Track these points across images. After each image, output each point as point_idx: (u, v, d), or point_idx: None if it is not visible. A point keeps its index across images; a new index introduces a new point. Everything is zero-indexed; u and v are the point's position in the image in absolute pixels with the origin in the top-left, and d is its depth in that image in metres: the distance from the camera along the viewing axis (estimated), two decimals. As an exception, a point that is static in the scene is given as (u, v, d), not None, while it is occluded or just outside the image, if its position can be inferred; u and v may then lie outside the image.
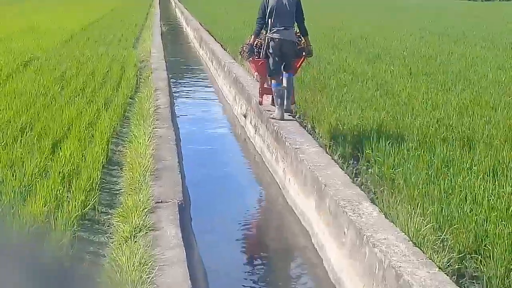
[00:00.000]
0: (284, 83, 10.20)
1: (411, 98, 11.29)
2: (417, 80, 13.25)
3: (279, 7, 9.66)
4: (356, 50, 18.80)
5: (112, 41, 22.06)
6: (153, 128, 9.26)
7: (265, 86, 10.81)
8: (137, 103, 11.51)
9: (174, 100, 13.68)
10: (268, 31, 9.82)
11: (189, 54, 25.31)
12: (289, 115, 10.23)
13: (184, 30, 35.58)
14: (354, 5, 47.93)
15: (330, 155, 8.06)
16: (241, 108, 12.82)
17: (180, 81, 18.40)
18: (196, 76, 19.97)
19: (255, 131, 11.02)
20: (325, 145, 8.64)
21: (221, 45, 20.14)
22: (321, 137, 9.14)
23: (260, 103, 11.05)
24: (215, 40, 21.89)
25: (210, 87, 17.82)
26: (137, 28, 27.96)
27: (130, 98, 12.16)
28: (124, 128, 9.86)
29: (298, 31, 10.21)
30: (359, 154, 8.22)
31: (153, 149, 8.01)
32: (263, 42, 10.09)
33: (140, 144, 8.25)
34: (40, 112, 9.91)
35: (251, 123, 11.56)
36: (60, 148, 7.99)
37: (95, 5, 47.19)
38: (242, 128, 12.43)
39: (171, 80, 16.07)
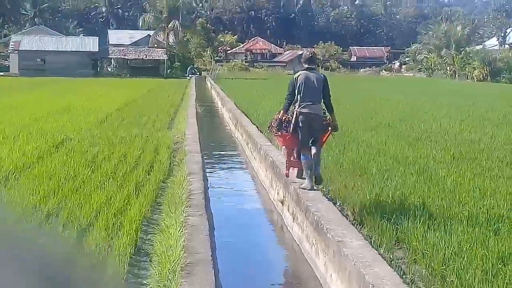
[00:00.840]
0: (313, 154, 10.56)
1: (456, 185, 10.71)
2: (461, 166, 12.71)
3: (308, 84, 10.27)
4: (395, 133, 18.28)
5: (147, 122, 21.87)
6: (186, 217, 8.70)
7: (292, 159, 11.09)
8: (169, 188, 11.00)
9: (208, 185, 13.13)
10: (297, 106, 10.36)
11: (224, 136, 24.94)
12: (316, 188, 10.61)
13: (220, 111, 35.43)
14: (385, 90, 47.59)
15: (376, 249, 7.41)
16: (277, 193, 12.25)
17: (214, 164, 17.91)
18: (231, 158, 19.51)
19: (293, 219, 10.41)
20: (369, 236, 8.01)
21: (257, 127, 19.73)
22: (363, 227, 8.52)
23: (287, 175, 11.39)
24: (251, 122, 21.47)
25: (245, 170, 17.31)
26: (172, 109, 27.84)
27: (162, 182, 11.71)
28: (155, 215, 9.34)
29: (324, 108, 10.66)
30: (405, 245, 7.64)
31: (184, 240, 7.44)
32: (291, 117, 10.54)
33: (171, 234, 7.69)
34: (67, 197, 9.48)
35: (288, 210, 10.96)
36: (85, 238, 7.49)
37: (132, 86, 47.59)
38: (279, 215, 11.81)
39: (206, 163, 15.59)
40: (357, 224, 8.61)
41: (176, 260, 6.75)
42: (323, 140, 10.93)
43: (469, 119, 23.16)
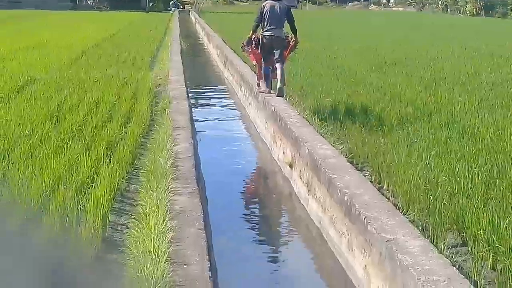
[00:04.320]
0: (278, 73, 12.70)
1: (501, 141, 8.55)
2: (495, 113, 10.49)
3: (272, 11, 12.51)
4: (404, 73, 16.10)
5: (126, 59, 19.52)
6: (171, 197, 6.47)
7: (261, 72, 13.35)
8: (149, 150, 8.73)
9: (198, 141, 10.85)
10: (262, 29, 12.68)
11: (212, 76, 22.62)
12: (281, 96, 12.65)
13: (205, 46, 33.01)
14: (379, 25, 45.13)
15: (440, 252, 5.26)
16: (283, 152, 10.03)
17: (202, 110, 15.65)
18: (221, 104, 17.25)
19: (308, 190, 8.21)
20: (424, 228, 5.87)
21: (251, 68, 17.40)
22: (408, 210, 6.37)
23: (258, 85, 13.56)
24: (243, 61, 18.98)
25: (238, 118, 15.06)
26: (155, 45, 25.37)
27: (142, 137, 9.49)
28: (129, 192, 7.09)
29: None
30: (465, 235, 5.67)
31: (170, 242, 5.22)
32: (259, 37, 12.77)
33: (151, 230, 5.48)
34: (15, 164, 7.24)
35: (300, 178, 8.74)
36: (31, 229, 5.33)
37: (112, 19, 44.96)
38: (286, 181, 9.63)
39: (193, 111, 13.38)
40: (402, 207, 6.46)
41: (157, 278, 4.54)
42: (285, 55, 12.94)
43: (479, 57, 20.92)
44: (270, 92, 12.88)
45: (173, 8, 77.67)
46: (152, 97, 12.84)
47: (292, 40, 12.89)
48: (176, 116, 10.84)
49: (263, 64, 13.02)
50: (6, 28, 33.25)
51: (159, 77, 15.73)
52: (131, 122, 10.15)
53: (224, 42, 26.42)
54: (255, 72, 14.66)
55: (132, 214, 6.22)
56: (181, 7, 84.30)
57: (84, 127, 9.49)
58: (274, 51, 12.68)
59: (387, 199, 6.51)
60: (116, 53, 21.04)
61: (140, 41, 26.37)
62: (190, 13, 70.51)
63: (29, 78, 14.21)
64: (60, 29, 32.42)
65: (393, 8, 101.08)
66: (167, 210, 6.03)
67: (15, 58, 18.22)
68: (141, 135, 9.52)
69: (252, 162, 11.80)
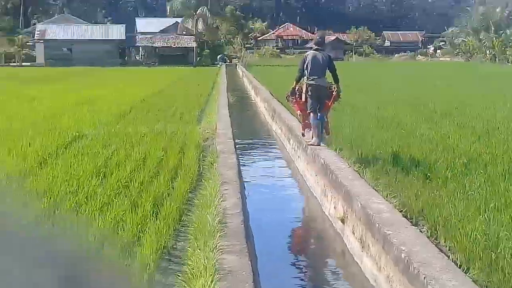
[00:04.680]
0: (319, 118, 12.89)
1: None
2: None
3: (315, 61, 12.73)
4: (456, 124, 15.65)
5: (174, 114, 19.48)
6: (219, 256, 6.19)
7: (306, 121, 13.46)
8: (197, 206, 8.50)
9: (246, 195, 10.59)
10: (306, 79, 12.86)
11: (260, 130, 22.42)
12: (324, 144, 12.90)
13: (253, 100, 32.98)
14: (427, 76, 44.78)
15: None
16: (334, 207, 9.69)
17: (250, 164, 15.42)
18: (269, 157, 17.01)
19: (362, 247, 7.85)
20: (485, 284, 5.50)
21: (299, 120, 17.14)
22: (461, 264, 6.02)
23: (303, 135, 13.79)
24: (290, 113, 18.74)
25: (288, 173, 14.70)
26: (202, 99, 25.41)
27: (190, 193, 9.28)
28: (175, 250, 6.85)
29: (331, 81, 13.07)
30: None
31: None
32: (302, 87, 13.00)
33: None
34: (60, 222, 7.07)
35: (353, 233, 8.39)
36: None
37: (160, 75, 45.47)
38: (338, 236, 9.27)
39: (241, 164, 13.16)
40: (461, 264, 6.09)
41: None
42: (329, 104, 13.16)
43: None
44: (320, 145, 12.81)
45: (220, 62, 78.51)
46: (200, 151, 12.68)
47: (335, 90, 12.99)
48: (224, 170, 10.63)
49: (311, 116, 12.96)
50: (57, 84, 33.84)
51: (206, 131, 15.61)
52: (178, 177, 9.97)
53: (272, 94, 26.32)
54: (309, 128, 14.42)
55: (179, 274, 5.96)
56: (228, 61, 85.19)
57: (131, 183, 9.36)
58: (317, 101, 12.83)
59: (447, 257, 6.13)
60: (164, 108, 21.08)
61: (188, 96, 26.47)
62: (237, 67, 71.05)
63: (78, 133, 14.21)
64: (109, 85, 32.86)
65: (440, 59, 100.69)
66: (215, 270, 5.76)
67: (65, 114, 18.33)
68: (188, 191, 9.32)
69: (302, 217, 11.50)
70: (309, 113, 12.92)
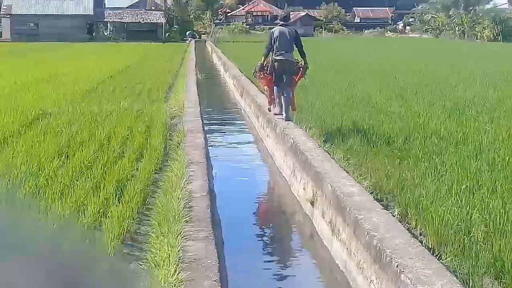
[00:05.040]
0: (287, 99, 13.13)
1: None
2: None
3: (282, 36, 12.85)
4: (426, 101, 15.54)
5: (141, 91, 19.15)
6: (184, 243, 5.92)
7: (272, 97, 13.64)
8: (161, 188, 8.21)
9: (214, 176, 10.30)
10: (273, 54, 13.00)
11: (229, 108, 22.09)
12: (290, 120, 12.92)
13: (222, 77, 32.61)
14: (396, 52, 44.78)
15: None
16: (304, 188, 9.45)
17: (218, 143, 15.13)
18: (238, 136, 16.74)
19: (332, 231, 7.62)
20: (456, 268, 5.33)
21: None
22: (433, 247, 5.86)
23: (269, 109, 14.05)
24: (260, 91, 18.46)
25: (256, 152, 14.48)
26: (170, 76, 25.01)
27: (155, 173, 9.01)
28: (139, 235, 6.59)
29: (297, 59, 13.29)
30: (504, 280, 5.16)
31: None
32: (270, 62, 13.10)
33: (160, 284, 4.94)
34: (19, 207, 6.74)
35: (323, 216, 8.16)
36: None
37: (129, 50, 44.86)
38: (307, 219, 9.04)
39: (209, 143, 12.88)
40: (433, 248, 5.91)
41: None
42: (296, 80, 13.30)
43: (502, 83, 20.32)
44: (282, 114, 13.05)
45: (189, 38, 77.83)
46: (167, 130, 12.38)
47: (302, 65, 13.20)
48: (191, 150, 10.34)
49: (275, 88, 13.26)
50: (22, 60, 33.19)
51: (174, 109, 15.30)
52: (143, 157, 9.68)
53: (241, 71, 25.98)
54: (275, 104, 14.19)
55: (141, 261, 5.70)
56: (198, 37, 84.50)
57: (94, 164, 9.05)
58: (284, 76, 12.95)
59: (420, 243, 5.93)
60: (131, 84, 20.75)
61: (156, 72, 26.08)
62: (206, 43, 70.49)
63: (41, 112, 13.82)
64: (75, 61, 32.32)
65: (410, 35, 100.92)
66: (179, 259, 5.50)
67: (28, 91, 17.93)
68: (154, 172, 9.04)
69: (271, 198, 11.27)
70: (274, 86, 13.23)
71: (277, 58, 12.88)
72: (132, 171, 8.91)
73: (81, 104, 15.29)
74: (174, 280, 5.00)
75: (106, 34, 79.33)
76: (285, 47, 12.84)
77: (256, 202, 10.62)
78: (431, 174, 8.30)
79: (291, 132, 11.64)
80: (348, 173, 8.67)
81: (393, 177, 8.25)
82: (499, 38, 72.10)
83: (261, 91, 17.65)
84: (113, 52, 42.19)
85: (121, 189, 7.86)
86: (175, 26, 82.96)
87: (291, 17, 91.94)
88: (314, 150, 10.03)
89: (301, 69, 13.19)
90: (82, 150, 9.80)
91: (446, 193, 7.41)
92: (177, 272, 5.16)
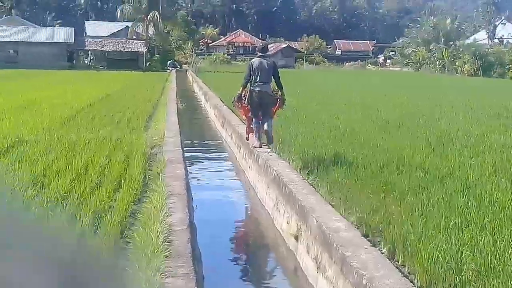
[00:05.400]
0: (265, 127, 13.24)
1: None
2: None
3: (260, 67, 12.94)
4: (410, 135, 15.35)
5: (120, 119, 18.78)
6: (163, 280, 5.60)
7: (251, 126, 13.76)
8: (140, 221, 7.87)
9: (194, 208, 9.98)
10: (251, 85, 13.08)
11: (210, 137, 21.79)
12: (269, 147, 13.30)
13: (203, 106, 32.35)
14: (378, 85, 44.91)
15: None
16: (287, 222, 9.14)
17: (199, 174, 14.78)
18: (219, 167, 16.39)
19: (318, 268, 7.31)
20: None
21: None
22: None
23: (247, 139, 14.24)
24: (241, 121, 18.18)
25: (238, 184, 14.16)
26: (151, 105, 24.70)
27: (134, 204, 8.68)
28: (116, 269, 6.25)
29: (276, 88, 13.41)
30: None
31: None
32: (248, 93, 13.18)
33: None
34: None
35: (308, 252, 7.85)
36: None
37: (109, 79, 44.56)
38: (290, 254, 8.71)
39: (189, 174, 12.54)
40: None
41: None
42: (274, 111, 13.56)
43: (485, 118, 20.21)
44: (262, 147, 13.20)
45: (170, 68, 77.67)
46: (146, 160, 12.06)
47: (279, 97, 13.47)
48: (171, 181, 10.01)
49: (253, 120, 13.40)
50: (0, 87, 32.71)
51: (154, 139, 14.98)
52: (122, 188, 9.34)
53: (222, 101, 25.76)
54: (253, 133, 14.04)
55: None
56: (179, 66, 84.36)
57: (70, 194, 8.70)
58: (262, 107, 13.19)
59: (412, 284, 5.65)
60: (110, 113, 20.39)
61: (136, 101, 25.78)
62: (187, 72, 70.29)
63: (17, 139, 13.46)
64: (55, 89, 31.96)
65: (390, 68, 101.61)
66: (157, 298, 5.18)
67: (6, 118, 17.54)
68: (132, 203, 8.71)
69: (253, 231, 10.84)
70: (252, 118, 13.38)
71: (256, 89, 13.03)
72: (109, 202, 8.58)
73: (59, 132, 14.96)
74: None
75: (86, 62, 79.00)
76: (264, 78, 12.99)
77: (238, 236, 10.31)
78: (418, 209, 8.06)
79: (274, 163, 11.37)
80: (333, 207, 8.40)
81: (379, 212, 8.00)
82: (479, 73, 72.62)
83: (242, 122, 17.40)
84: (93, 80, 41.86)
85: (98, 221, 7.52)
86: (156, 55, 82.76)
87: (271, 48, 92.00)
88: (298, 183, 9.77)
89: (278, 100, 13.43)
90: (58, 179, 9.46)
91: (434, 230, 7.16)
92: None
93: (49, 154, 11.83)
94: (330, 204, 8.55)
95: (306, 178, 10.17)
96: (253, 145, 13.41)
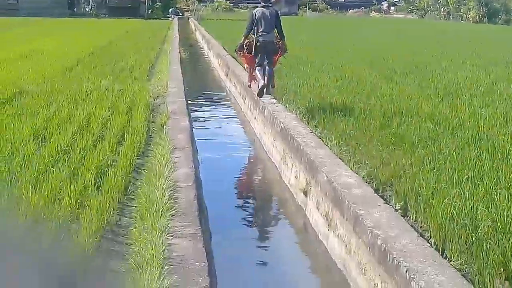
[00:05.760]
0: (268, 76, 13.40)
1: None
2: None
3: (263, 17, 13.12)
4: (417, 84, 15.05)
5: (123, 69, 18.43)
6: (169, 240, 5.39)
7: (253, 74, 14.06)
8: (145, 177, 7.63)
9: (199, 161, 9.73)
10: (255, 34, 13.28)
11: (214, 87, 21.43)
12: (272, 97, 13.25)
13: (206, 55, 31.91)
14: (382, 33, 44.28)
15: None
16: (295, 177, 8.91)
17: (203, 125, 14.47)
18: (224, 118, 16.07)
19: (328, 225, 7.09)
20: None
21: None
22: (436, 243, 5.38)
23: (249, 86, 14.69)
24: (246, 70, 17.77)
25: (243, 136, 13.84)
26: (153, 53, 24.30)
27: (138, 158, 8.45)
28: (120, 228, 6.04)
29: (277, 35, 13.53)
30: None
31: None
32: (251, 42, 13.42)
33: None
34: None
35: (317, 208, 7.63)
36: None
37: (110, 27, 43.97)
38: (299, 210, 8.50)
39: (194, 126, 12.26)
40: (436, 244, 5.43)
41: None
42: (275, 59, 13.78)
43: (493, 66, 19.80)
44: (264, 92, 13.32)
45: (172, 15, 76.77)
46: (150, 111, 11.80)
47: (280, 45, 13.67)
48: (175, 134, 9.75)
49: (257, 68, 13.54)
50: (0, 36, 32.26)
51: (157, 88, 14.68)
52: (125, 142, 9.08)
53: (225, 50, 25.31)
54: (255, 80, 13.98)
55: (122, 260, 5.16)
56: (181, 14, 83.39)
57: (72, 148, 8.46)
58: (266, 56, 13.39)
59: (429, 244, 5.42)
60: (112, 62, 19.99)
61: (138, 50, 25.34)
62: (189, 20, 69.48)
63: (17, 90, 13.18)
64: (55, 37, 31.42)
65: (394, 15, 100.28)
66: (164, 259, 4.96)
67: (5, 68, 17.22)
68: (136, 157, 8.47)
69: (260, 186, 10.51)
70: (256, 66, 13.50)
71: (260, 39, 13.23)
72: (112, 156, 8.33)
73: (60, 82, 14.65)
74: (159, 286, 4.45)
75: (87, 10, 78.01)
76: (267, 28, 13.18)
77: (245, 190, 10.06)
78: (429, 163, 7.82)
79: (280, 115, 11.08)
80: (343, 161, 8.15)
81: (389, 166, 7.76)
82: (484, 20, 71.58)
83: (247, 71, 17.05)
84: (95, 28, 41.25)
85: (101, 177, 7.29)
86: (158, 2, 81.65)
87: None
88: (306, 136, 9.49)
89: (279, 48, 13.64)
90: (60, 132, 9.21)
91: (447, 184, 6.91)
92: (162, 277, 4.61)
93: (51, 105, 11.56)
94: (340, 158, 8.29)
95: (314, 131, 9.90)
96: (255, 91, 13.58)
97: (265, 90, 13.29)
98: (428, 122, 10.32)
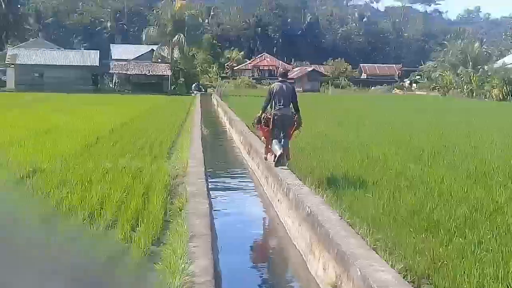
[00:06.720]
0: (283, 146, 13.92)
1: None
2: None
3: (280, 92, 13.85)
4: (447, 165, 14.31)
5: (143, 146, 17.95)
6: None
7: (269, 147, 14.51)
8: (158, 272, 6.93)
9: (219, 249, 9.03)
10: (273, 108, 13.96)
11: (235, 164, 20.84)
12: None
13: (228, 132, 31.48)
14: (406, 110, 43.89)
15: None
16: (324, 269, 8.16)
17: (223, 208, 13.62)
18: (245, 200, 15.29)
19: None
20: None
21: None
22: None
23: (266, 159, 15.15)
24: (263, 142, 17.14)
25: (266, 220, 13.05)
26: (174, 130, 23.90)
27: (152, 245, 7.79)
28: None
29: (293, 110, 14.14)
30: None
31: None
32: (269, 116, 14.06)
33: None
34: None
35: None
36: None
37: (133, 103, 44.02)
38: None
39: (213, 210, 11.57)
40: None
41: None
42: (291, 132, 14.23)
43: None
44: (280, 163, 13.74)
45: (195, 92, 77.28)
46: (168, 192, 11.17)
47: (296, 119, 14.17)
48: (193, 219, 9.08)
49: (273, 141, 14.06)
50: (22, 111, 32.15)
51: (176, 168, 14.12)
52: (139, 228, 8.43)
53: (248, 127, 24.82)
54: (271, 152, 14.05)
55: None
56: (203, 90, 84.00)
57: (82, 234, 7.83)
58: (283, 129, 13.99)
59: None
60: (133, 139, 19.60)
61: (159, 126, 24.99)
62: (212, 96, 69.72)
63: (31, 169, 12.69)
64: (78, 113, 31.32)
65: (416, 92, 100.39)
66: None
67: (24, 145, 16.80)
68: (150, 244, 7.82)
69: (285, 277, 9.70)
70: (273, 139, 14.02)
71: (277, 112, 13.89)
72: (125, 243, 7.69)
73: (76, 161, 14.17)
74: None
75: (111, 86, 78.78)
76: (283, 101, 13.88)
77: (268, 281, 9.29)
78: (470, 254, 7.11)
79: (306, 199, 10.38)
80: (377, 252, 7.43)
81: (425, 256, 7.06)
82: (508, 98, 70.95)
83: (263, 142, 16.51)
84: (117, 104, 41.27)
85: (112, 267, 6.63)
86: (181, 79, 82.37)
87: (297, 71, 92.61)
88: (335, 222, 8.77)
89: (295, 122, 14.13)
90: (70, 219, 8.59)
91: (493, 280, 6.20)
92: None
93: (63, 187, 10.99)
94: (373, 249, 7.57)
95: (343, 216, 9.20)
96: (271, 162, 14.22)
97: (281, 161, 13.62)
98: (463, 206, 9.63)
